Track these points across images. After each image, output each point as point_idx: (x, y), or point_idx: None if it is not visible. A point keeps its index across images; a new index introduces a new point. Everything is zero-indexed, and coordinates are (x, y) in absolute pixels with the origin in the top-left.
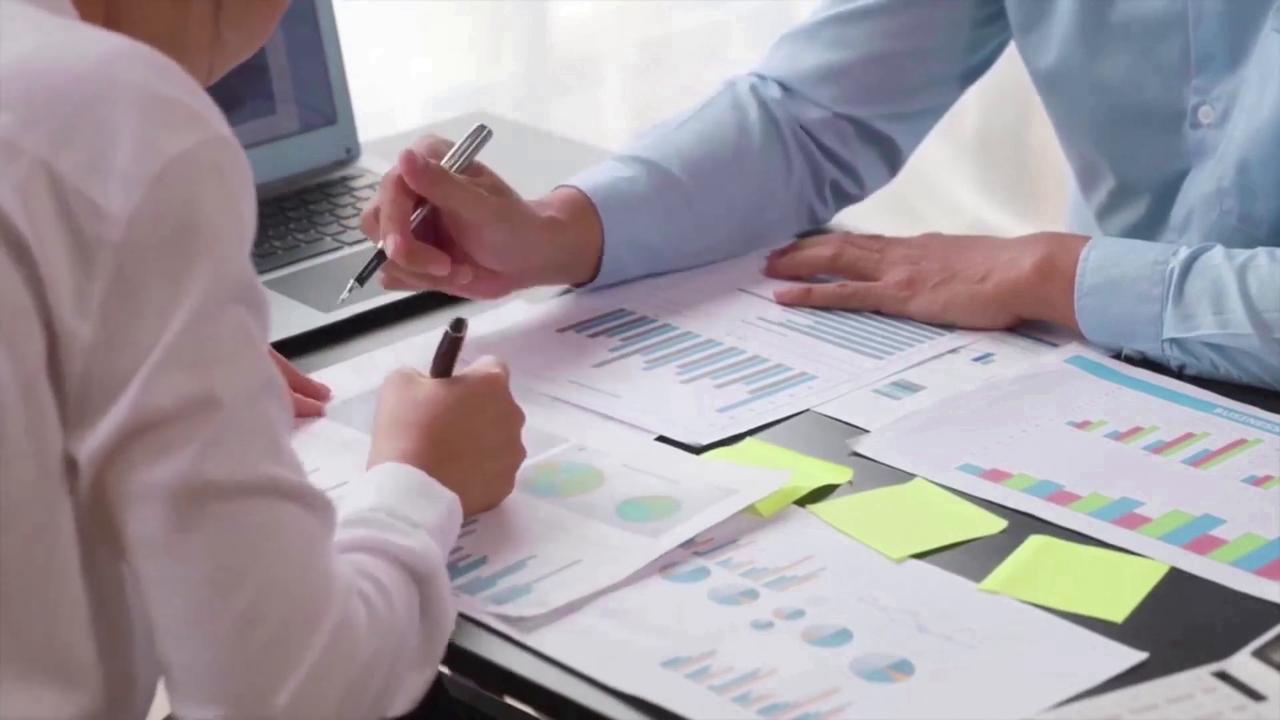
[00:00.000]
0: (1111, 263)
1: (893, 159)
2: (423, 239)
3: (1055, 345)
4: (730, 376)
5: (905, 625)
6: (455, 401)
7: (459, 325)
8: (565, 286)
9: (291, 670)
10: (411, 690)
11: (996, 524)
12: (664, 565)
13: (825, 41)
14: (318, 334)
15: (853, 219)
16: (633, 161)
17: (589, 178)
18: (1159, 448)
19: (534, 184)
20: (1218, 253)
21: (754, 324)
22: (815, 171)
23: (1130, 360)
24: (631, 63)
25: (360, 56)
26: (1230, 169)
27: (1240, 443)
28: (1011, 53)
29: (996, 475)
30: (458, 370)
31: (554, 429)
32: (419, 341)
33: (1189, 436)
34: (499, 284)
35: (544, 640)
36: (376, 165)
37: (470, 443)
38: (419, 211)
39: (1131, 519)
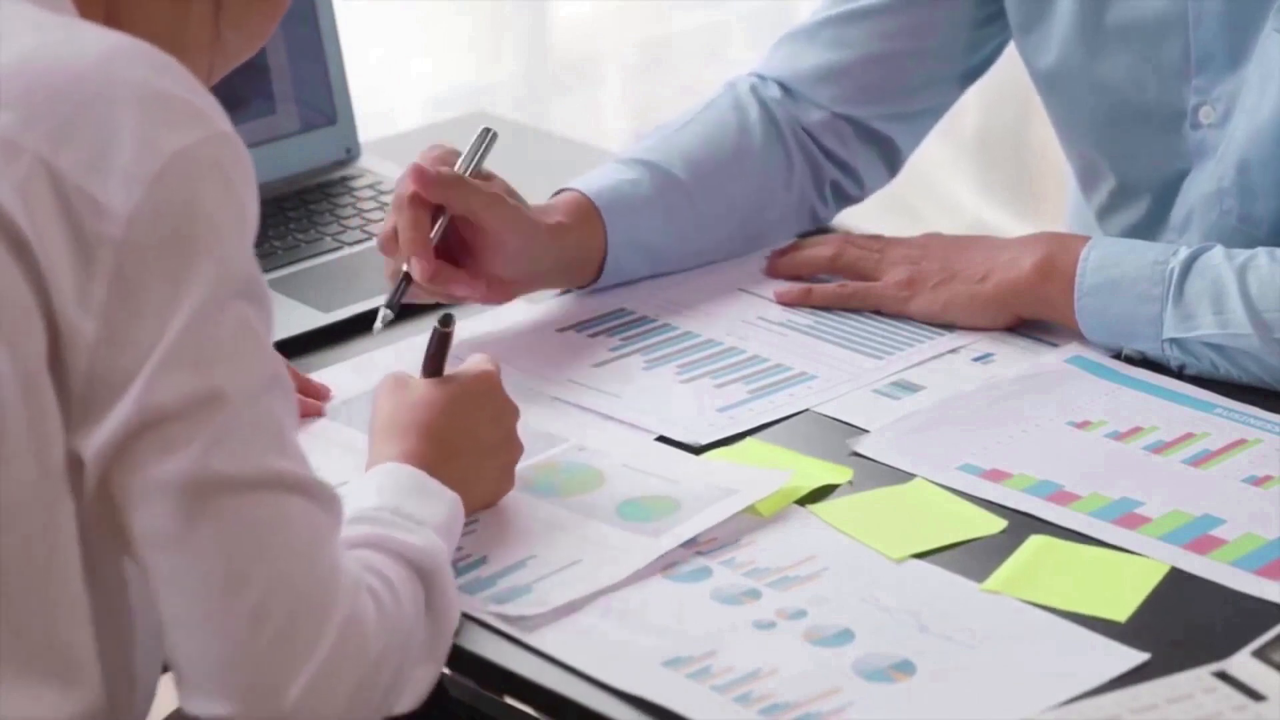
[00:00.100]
0: (1111, 263)
1: (892, 159)
2: (437, 252)
3: (1055, 345)
4: (730, 376)
5: (906, 625)
6: (450, 401)
7: (447, 321)
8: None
9: (302, 665)
10: (418, 687)
11: (996, 524)
12: (666, 565)
13: (825, 42)
14: (318, 334)
15: (853, 219)
16: (635, 164)
17: (591, 181)
18: (1159, 448)
19: (534, 184)
20: (1218, 253)
21: (754, 324)
22: (816, 172)
23: (1130, 360)
24: (631, 63)
25: (360, 56)
26: (1230, 169)
27: (1240, 443)
28: (1011, 53)
29: (996, 475)
30: (449, 369)
31: (554, 429)
32: (419, 341)
33: (1189, 436)
34: (506, 291)
35: (544, 640)
36: (376, 165)
37: (468, 441)
38: (437, 227)
39: (1131, 519)
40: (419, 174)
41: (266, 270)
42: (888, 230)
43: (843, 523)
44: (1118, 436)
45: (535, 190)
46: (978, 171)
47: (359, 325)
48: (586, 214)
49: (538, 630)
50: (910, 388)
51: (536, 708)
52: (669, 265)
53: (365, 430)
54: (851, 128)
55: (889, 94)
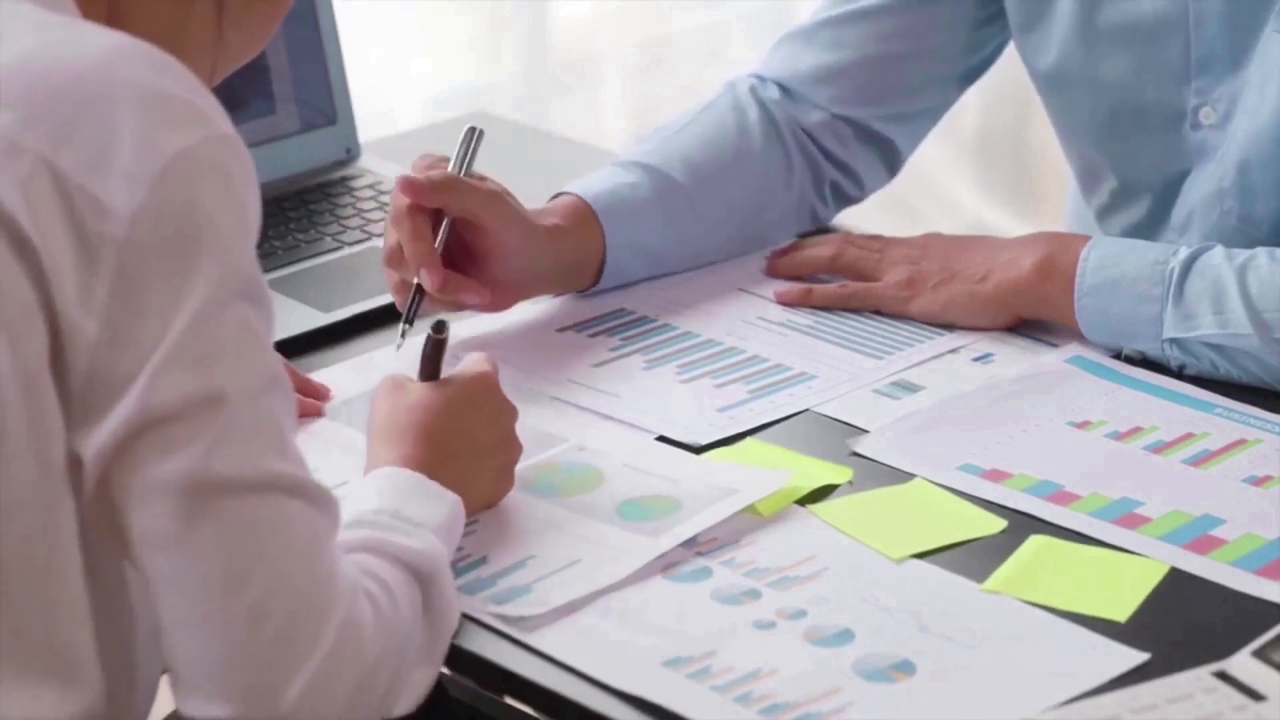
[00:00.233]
0: (1111, 263)
1: (891, 160)
2: (442, 261)
3: (1055, 345)
4: (730, 376)
5: (906, 625)
6: (447, 403)
7: (440, 327)
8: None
9: (300, 666)
10: (416, 689)
11: (996, 524)
12: (666, 565)
13: (824, 42)
14: (318, 334)
15: (853, 219)
16: (634, 167)
17: (588, 185)
18: (1159, 448)
19: (534, 184)
20: (1218, 253)
21: (754, 324)
22: (815, 172)
23: (1130, 360)
24: (631, 63)
25: (360, 56)
26: (1231, 170)
27: (1240, 443)
28: (1011, 53)
29: (996, 475)
30: (446, 370)
31: (554, 429)
32: (417, 342)
33: (1189, 436)
34: (506, 296)
35: (544, 640)
36: (376, 165)
37: (466, 442)
38: (440, 235)
39: (1131, 519)
40: (410, 184)
41: (266, 270)
42: (888, 230)
43: (843, 523)
44: (1118, 436)
45: (535, 190)
46: (978, 171)
47: (359, 325)
48: (584, 218)
49: (538, 630)
50: (910, 388)
51: (536, 708)
52: (669, 267)
53: (365, 430)
54: (851, 128)
55: (888, 95)
